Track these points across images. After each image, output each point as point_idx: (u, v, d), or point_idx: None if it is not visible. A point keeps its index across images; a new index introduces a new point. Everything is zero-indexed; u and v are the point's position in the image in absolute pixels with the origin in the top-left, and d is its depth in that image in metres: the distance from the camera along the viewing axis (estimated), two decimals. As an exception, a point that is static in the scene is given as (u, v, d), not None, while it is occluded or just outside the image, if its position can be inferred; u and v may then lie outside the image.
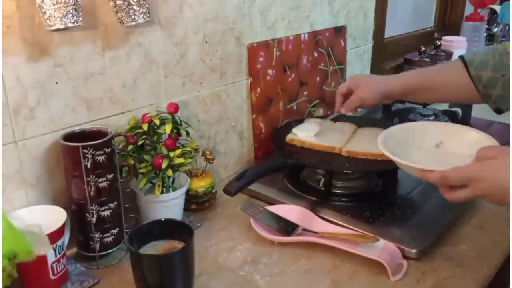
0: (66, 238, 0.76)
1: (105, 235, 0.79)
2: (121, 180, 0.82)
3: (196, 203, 0.96)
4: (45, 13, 0.67)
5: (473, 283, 0.75)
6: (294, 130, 1.07)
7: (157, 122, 0.85)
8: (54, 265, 0.72)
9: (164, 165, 0.82)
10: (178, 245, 0.70)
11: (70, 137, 0.77)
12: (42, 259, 0.70)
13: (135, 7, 0.76)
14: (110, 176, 0.77)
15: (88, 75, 0.81)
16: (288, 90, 1.22)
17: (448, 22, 2.14)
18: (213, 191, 0.98)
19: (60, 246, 0.73)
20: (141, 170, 0.84)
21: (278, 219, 0.87)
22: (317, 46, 1.28)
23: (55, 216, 0.74)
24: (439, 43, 1.55)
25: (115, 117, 0.86)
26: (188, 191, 0.93)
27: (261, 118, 1.16)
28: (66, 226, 0.75)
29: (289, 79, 1.21)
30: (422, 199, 0.96)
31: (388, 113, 1.44)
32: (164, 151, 0.84)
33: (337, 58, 1.37)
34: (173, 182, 0.88)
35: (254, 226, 0.86)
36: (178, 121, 0.89)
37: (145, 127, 0.84)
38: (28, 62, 0.73)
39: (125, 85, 0.87)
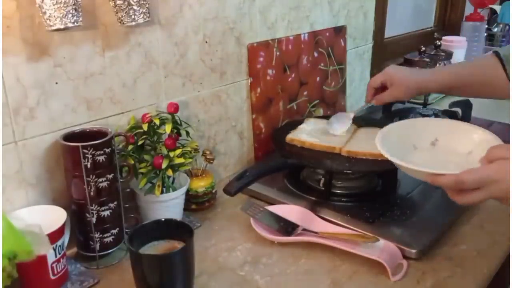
0: (66, 238, 0.76)
1: (105, 235, 0.79)
2: (121, 180, 0.82)
3: (196, 203, 0.96)
4: (45, 13, 0.67)
5: (473, 283, 0.75)
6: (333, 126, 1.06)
7: (157, 122, 0.85)
8: (54, 265, 0.72)
9: (164, 165, 0.82)
10: (178, 245, 0.70)
11: (70, 137, 0.77)
12: (42, 259, 0.70)
13: (135, 7, 0.76)
14: (110, 176, 0.77)
15: (88, 75, 0.81)
16: (288, 90, 1.22)
17: (448, 22, 2.14)
18: (213, 191, 0.98)
19: (60, 246, 0.73)
20: (141, 170, 0.84)
21: (278, 219, 0.87)
22: (317, 46, 1.28)
23: (55, 216, 0.74)
24: (439, 43, 1.55)
25: (115, 117, 0.86)
26: (188, 191, 0.93)
27: (261, 118, 1.16)
28: (66, 226, 0.75)
29: (289, 79, 1.21)
30: (422, 199, 0.96)
31: (388, 113, 1.44)
32: (164, 151, 0.84)
33: (337, 58, 1.37)
34: (173, 182, 0.88)
35: (254, 226, 0.86)
36: (178, 121, 0.89)
37: (145, 127, 0.84)
38: (28, 62, 0.73)
39: (125, 85, 0.87)
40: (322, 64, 1.32)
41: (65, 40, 0.76)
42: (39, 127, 0.76)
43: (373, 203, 0.93)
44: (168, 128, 0.85)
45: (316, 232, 0.84)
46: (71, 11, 0.68)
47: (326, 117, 1.19)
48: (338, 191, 0.98)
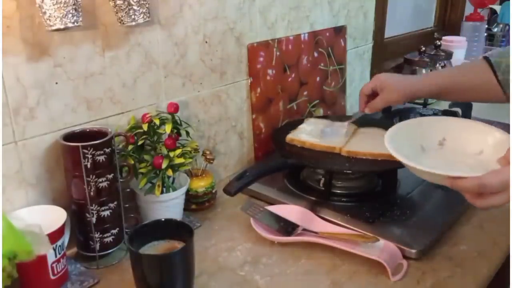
0: (66, 238, 0.76)
1: (105, 235, 0.79)
2: (121, 180, 0.82)
3: (196, 203, 0.96)
4: (45, 13, 0.67)
5: (473, 283, 0.75)
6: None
7: (157, 122, 0.85)
8: (54, 265, 0.72)
9: (164, 165, 0.82)
10: (178, 245, 0.70)
11: (70, 137, 0.77)
12: (42, 259, 0.70)
13: (135, 7, 0.76)
14: (110, 176, 0.77)
15: (88, 75, 0.81)
16: (288, 90, 1.22)
17: (448, 22, 2.14)
18: (213, 191, 0.98)
19: (60, 246, 0.73)
20: (141, 170, 0.84)
21: (278, 219, 0.87)
22: (317, 46, 1.28)
23: (55, 216, 0.74)
24: (439, 43, 1.55)
25: (115, 117, 0.86)
26: (188, 191, 0.93)
27: (261, 118, 1.16)
28: (66, 226, 0.75)
29: (289, 79, 1.21)
30: (422, 199, 0.96)
31: (388, 113, 1.44)
32: (164, 151, 0.84)
33: (337, 58, 1.37)
34: (173, 182, 0.88)
35: (254, 226, 0.86)
36: (178, 121, 0.89)
37: (145, 127, 0.84)
38: (28, 62, 0.73)
39: (125, 85, 0.87)
40: (322, 64, 1.32)
41: (65, 40, 0.76)
42: (39, 127, 0.76)
43: (373, 203, 0.93)
44: (168, 128, 0.85)
45: (316, 232, 0.84)
46: (71, 11, 0.68)
47: (326, 117, 1.19)
48: (338, 191, 0.98)
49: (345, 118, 1.14)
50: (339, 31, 1.36)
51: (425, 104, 1.47)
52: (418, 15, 2.02)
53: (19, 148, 0.75)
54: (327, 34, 1.31)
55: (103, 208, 0.77)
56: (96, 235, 0.78)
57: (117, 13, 0.77)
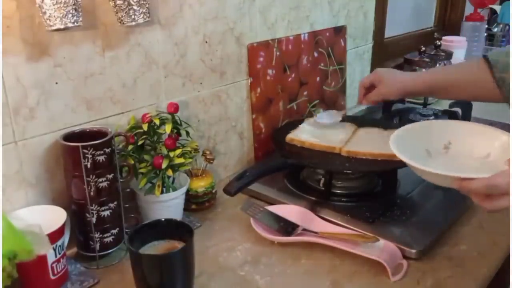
0: (66, 238, 0.76)
1: (105, 235, 0.79)
2: (121, 180, 0.82)
3: (196, 203, 0.96)
4: (45, 13, 0.67)
5: (473, 283, 0.75)
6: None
7: (157, 122, 0.85)
8: (54, 265, 0.72)
9: (164, 165, 0.82)
10: (178, 245, 0.70)
11: (70, 137, 0.77)
12: (42, 259, 0.70)
13: (135, 7, 0.76)
14: (110, 176, 0.77)
15: (88, 75, 0.81)
16: (288, 90, 1.22)
17: (448, 22, 2.14)
18: (213, 191, 0.98)
19: (60, 246, 0.73)
20: (141, 170, 0.84)
21: (278, 219, 0.87)
22: (317, 46, 1.28)
23: (55, 216, 0.74)
24: (439, 43, 1.55)
25: (115, 117, 0.86)
26: (188, 191, 0.93)
27: (261, 118, 1.16)
28: (66, 226, 0.75)
29: (289, 79, 1.21)
30: (422, 199, 0.96)
31: (388, 113, 1.44)
32: (164, 151, 0.84)
33: (337, 58, 1.37)
34: (173, 182, 0.88)
35: (254, 226, 0.86)
36: (178, 121, 0.89)
37: (145, 127, 0.84)
38: (28, 62, 0.73)
39: (125, 85, 0.87)
40: (322, 64, 1.32)
41: (65, 40, 0.76)
42: (39, 127, 0.76)
43: (373, 203, 0.93)
44: (168, 128, 0.85)
45: (316, 232, 0.84)
46: (71, 11, 0.68)
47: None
48: (338, 191, 0.98)
49: (345, 118, 1.14)
50: (339, 31, 1.36)
51: (425, 104, 1.47)
52: (418, 15, 2.02)
53: (19, 148, 0.75)
54: (327, 34, 1.31)
55: (103, 208, 0.77)
56: (96, 235, 0.78)
57: (117, 13, 0.77)
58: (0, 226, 0.60)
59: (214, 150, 1.07)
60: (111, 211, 0.78)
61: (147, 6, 0.78)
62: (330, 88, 1.37)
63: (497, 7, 2.24)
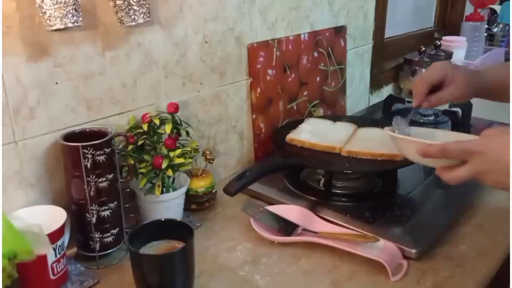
0: (66, 238, 0.76)
1: (105, 235, 0.79)
2: (121, 180, 0.82)
3: (196, 203, 0.96)
4: (45, 13, 0.67)
5: (473, 283, 0.75)
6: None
7: (157, 122, 0.85)
8: (54, 265, 0.72)
9: (164, 165, 0.82)
10: (178, 245, 0.70)
11: (70, 137, 0.77)
12: (42, 259, 0.70)
13: (135, 7, 0.76)
14: (110, 176, 0.77)
15: (88, 75, 0.81)
16: (288, 90, 1.22)
17: (448, 22, 2.14)
18: (213, 191, 0.98)
19: (60, 246, 0.73)
20: (141, 170, 0.84)
21: (278, 219, 0.87)
22: (317, 46, 1.28)
23: (55, 216, 0.74)
24: (439, 43, 1.55)
25: (115, 117, 0.86)
26: (188, 191, 0.93)
27: (261, 118, 1.16)
28: (66, 226, 0.75)
29: (289, 79, 1.21)
30: (422, 199, 0.96)
31: (388, 113, 1.44)
32: (164, 151, 0.84)
33: (337, 58, 1.37)
34: (173, 182, 0.88)
35: (254, 226, 0.86)
36: (178, 121, 0.89)
37: (145, 127, 0.84)
38: (28, 62, 0.73)
39: (125, 85, 0.87)
40: (322, 64, 1.32)
41: (65, 40, 0.76)
42: (39, 127, 0.76)
43: (373, 203, 0.93)
44: (168, 128, 0.85)
45: (316, 232, 0.84)
46: (71, 11, 0.68)
47: (326, 117, 1.19)
48: (338, 191, 0.98)
49: (345, 118, 1.14)
50: (339, 31, 1.36)
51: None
52: (418, 15, 2.02)
53: (19, 148, 0.75)
54: (327, 34, 1.31)
55: (103, 208, 0.77)
56: (96, 235, 0.78)
57: (117, 13, 0.77)
58: (0, 226, 0.60)
59: (214, 150, 1.07)
60: (111, 211, 0.78)
61: (147, 6, 0.78)
62: (330, 88, 1.37)
63: (497, 7, 2.24)
